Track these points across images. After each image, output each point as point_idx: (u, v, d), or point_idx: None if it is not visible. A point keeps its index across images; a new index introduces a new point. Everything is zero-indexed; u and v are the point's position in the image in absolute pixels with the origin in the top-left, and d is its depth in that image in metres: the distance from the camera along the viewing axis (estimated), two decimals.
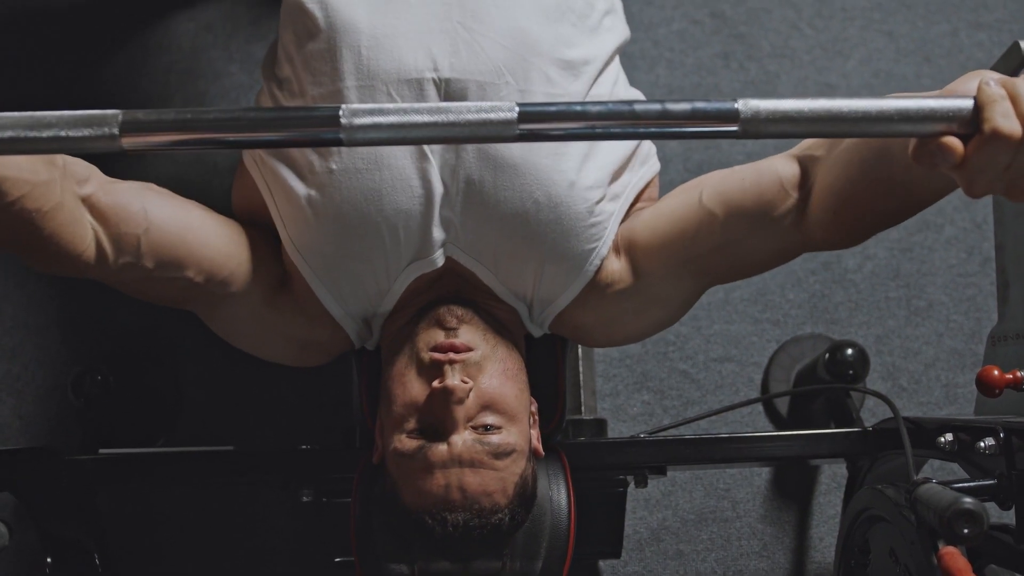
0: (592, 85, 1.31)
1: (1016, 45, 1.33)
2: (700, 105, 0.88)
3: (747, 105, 0.88)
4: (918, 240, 2.08)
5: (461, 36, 1.25)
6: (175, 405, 1.96)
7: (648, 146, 1.41)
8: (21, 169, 1.06)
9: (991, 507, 1.08)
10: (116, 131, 0.87)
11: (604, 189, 1.29)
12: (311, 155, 1.24)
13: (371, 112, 0.88)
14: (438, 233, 1.27)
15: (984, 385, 1.21)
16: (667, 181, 2.00)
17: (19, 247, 1.13)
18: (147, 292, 1.27)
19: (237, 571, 1.92)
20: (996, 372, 1.21)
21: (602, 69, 1.34)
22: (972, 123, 0.88)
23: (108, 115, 0.87)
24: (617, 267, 1.31)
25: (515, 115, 0.88)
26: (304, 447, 1.57)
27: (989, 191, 0.92)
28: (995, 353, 1.37)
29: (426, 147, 1.23)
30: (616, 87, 1.38)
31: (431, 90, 1.23)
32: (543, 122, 0.89)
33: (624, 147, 1.33)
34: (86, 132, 0.87)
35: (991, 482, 1.19)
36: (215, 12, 2.12)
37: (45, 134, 0.87)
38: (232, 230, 1.29)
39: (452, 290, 1.31)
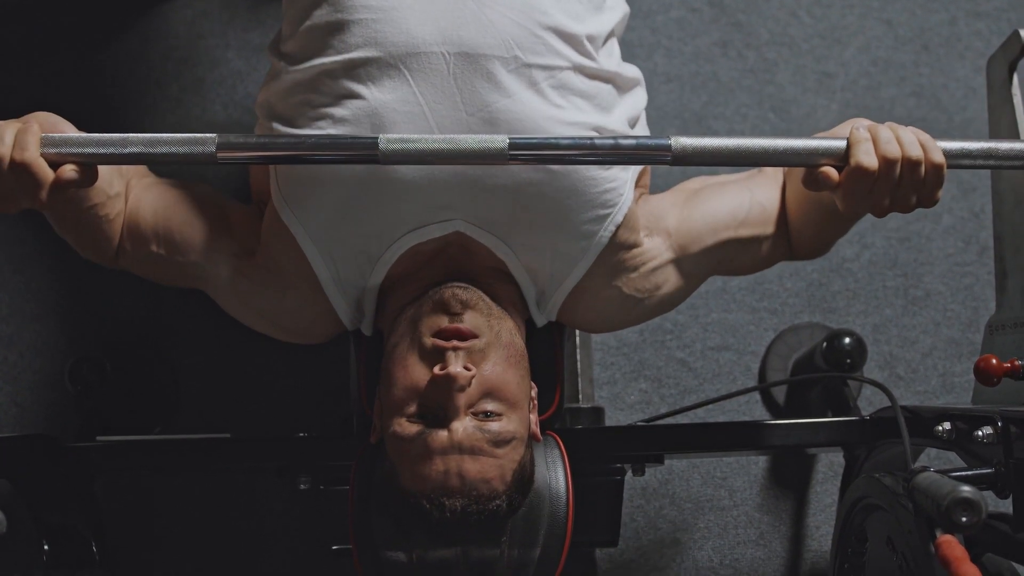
0: (596, 60, 1.32)
1: (1016, 34, 1.32)
2: (643, 141, 1.16)
3: (678, 142, 1.15)
4: (916, 229, 2.08)
5: (469, 8, 1.25)
6: (172, 393, 1.96)
7: (644, 129, 1.44)
8: (103, 181, 1.25)
9: (988, 495, 1.08)
10: (213, 149, 1.12)
11: None
12: (320, 121, 1.26)
13: (402, 141, 1.14)
14: (442, 207, 1.27)
15: (982, 373, 1.21)
16: (664, 169, 2.00)
17: (81, 240, 1.34)
18: (154, 277, 1.41)
19: (234, 558, 1.92)
20: (994, 361, 1.21)
21: (603, 43, 1.36)
22: (844, 158, 1.15)
23: (208, 137, 1.12)
24: (650, 245, 1.36)
25: (506, 145, 1.14)
26: (301, 435, 1.57)
27: (858, 210, 1.18)
28: (993, 342, 1.37)
29: (433, 123, 1.24)
30: (621, 67, 1.39)
31: (440, 63, 1.24)
32: (528, 150, 1.15)
33: (625, 124, 1.36)
34: (192, 149, 1.12)
35: (989, 470, 1.19)
36: None
37: (161, 150, 1.12)
38: (197, 201, 1.37)
39: (456, 268, 1.31)
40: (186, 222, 1.35)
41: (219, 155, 1.12)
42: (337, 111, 1.25)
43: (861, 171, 1.13)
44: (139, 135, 1.13)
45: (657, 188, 1.48)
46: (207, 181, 1.46)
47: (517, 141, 1.14)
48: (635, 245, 1.34)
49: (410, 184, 1.25)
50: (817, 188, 1.17)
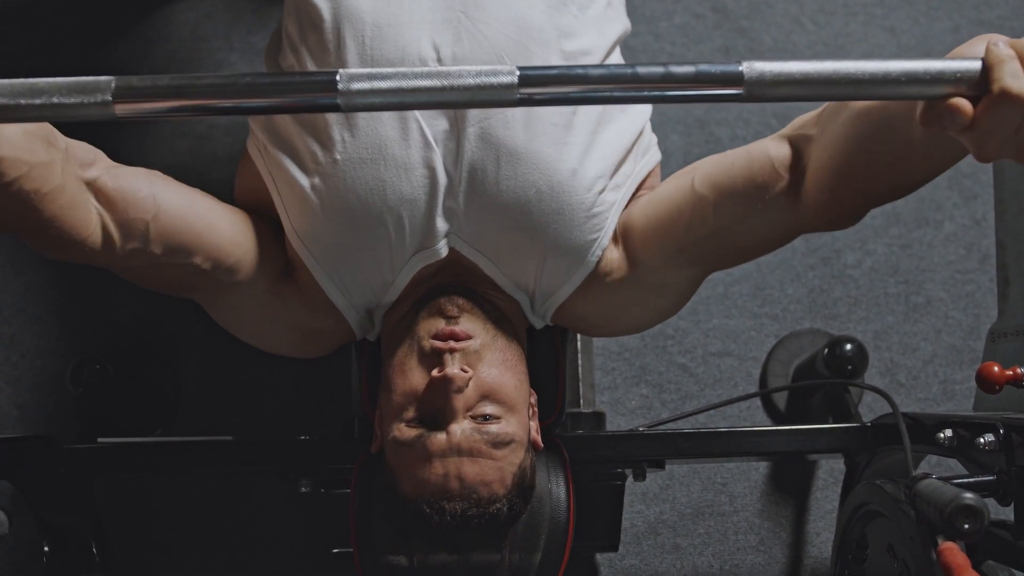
0: None
1: None
2: (704, 68, 0.87)
3: (752, 68, 0.87)
4: (917, 236, 2.08)
5: (463, 24, 1.25)
6: (174, 395, 1.96)
7: (649, 136, 1.42)
8: (17, 148, 1.04)
9: (989, 503, 1.08)
10: (109, 97, 0.86)
11: (606, 180, 1.29)
12: (314, 145, 1.24)
13: (369, 77, 0.87)
14: (442, 223, 1.27)
15: (984, 381, 1.21)
16: (668, 176, 2.00)
17: (21, 230, 1.12)
18: (152, 279, 1.26)
19: (235, 561, 1.92)
20: (996, 368, 1.21)
21: (603, 59, 1.34)
22: (981, 84, 0.87)
23: (101, 81, 0.86)
24: (615, 256, 1.31)
25: (515, 79, 0.87)
26: (303, 438, 1.57)
27: (1000, 155, 0.92)
28: (995, 349, 1.37)
29: (430, 136, 1.23)
30: None
31: None
32: (544, 86, 0.88)
33: (626, 137, 1.33)
34: (79, 99, 0.86)
35: (990, 478, 1.19)
36: (216, 2, 2.11)
37: (37, 101, 0.86)
38: (238, 217, 1.29)
39: (454, 279, 1.31)
40: (237, 242, 1.26)
41: (117, 107, 0.87)
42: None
43: (1008, 99, 0.87)
44: (4, 81, 0.87)
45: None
46: (204, 173, 1.42)
47: (530, 74, 0.88)
48: (604, 258, 1.31)
49: (414, 203, 1.25)
50: (942, 127, 0.90)
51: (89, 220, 1.15)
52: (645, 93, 0.88)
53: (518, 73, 0.87)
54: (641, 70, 0.87)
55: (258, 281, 1.30)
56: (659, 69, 0.87)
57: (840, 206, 1.18)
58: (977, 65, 0.88)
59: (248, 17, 2.11)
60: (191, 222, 1.22)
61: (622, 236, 1.31)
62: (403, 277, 1.30)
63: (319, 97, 0.87)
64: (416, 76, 0.87)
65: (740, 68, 0.87)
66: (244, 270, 1.27)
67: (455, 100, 0.88)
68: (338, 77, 0.87)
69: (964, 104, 0.88)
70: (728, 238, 1.25)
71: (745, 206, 1.22)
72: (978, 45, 0.96)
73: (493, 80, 0.87)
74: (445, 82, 0.87)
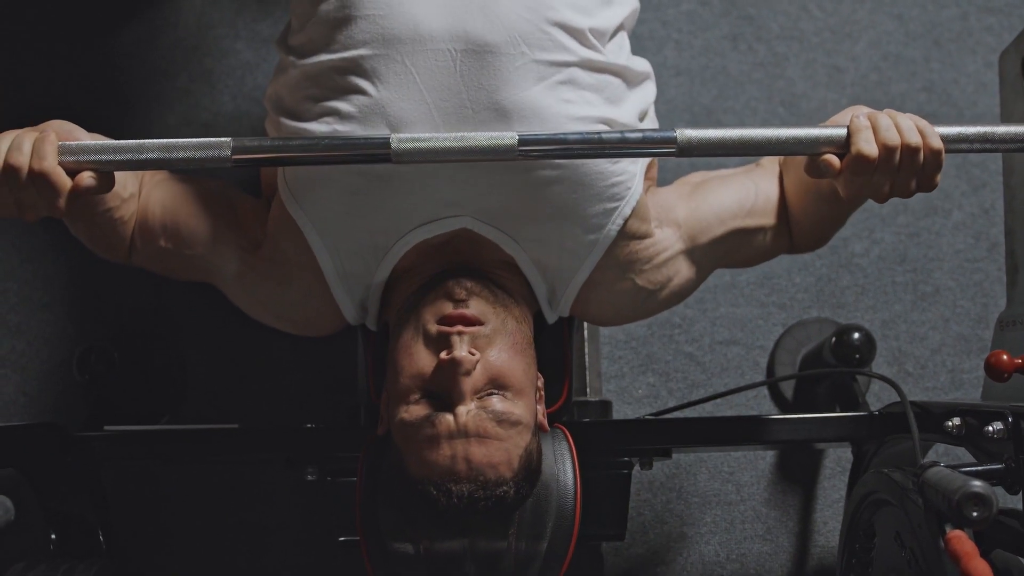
0: (604, 54, 1.31)
1: None
2: (648, 134, 1.19)
3: (683, 134, 1.17)
4: (925, 225, 2.07)
5: (476, 3, 1.24)
6: (180, 382, 1.96)
7: (652, 122, 1.45)
8: (118, 184, 1.26)
9: (998, 492, 1.08)
10: (228, 153, 1.15)
11: None
12: (326, 116, 1.26)
13: (413, 140, 1.16)
14: (450, 203, 1.27)
15: (993, 369, 1.20)
16: (674, 163, 2.00)
17: (95, 241, 1.36)
18: (165, 272, 1.43)
19: (241, 549, 1.93)
20: (1005, 356, 1.20)
21: (611, 38, 1.35)
22: (846, 146, 1.18)
23: (223, 141, 1.15)
24: (661, 236, 1.36)
25: (515, 142, 1.16)
26: (309, 426, 1.57)
27: (861, 195, 1.22)
28: (1003, 338, 1.37)
29: (438, 119, 1.24)
30: (631, 60, 1.38)
31: (446, 60, 1.23)
32: (536, 146, 1.17)
33: (632, 115, 1.35)
34: (206, 153, 1.15)
35: (999, 466, 1.18)
36: None
37: (178, 155, 1.15)
38: (205, 195, 1.38)
39: (461, 260, 1.31)
40: (192, 215, 1.35)
41: (234, 158, 1.15)
42: (343, 106, 1.25)
43: (862, 158, 1.16)
44: (155, 141, 1.15)
45: (666, 181, 1.48)
46: (221, 173, 1.45)
47: (526, 138, 1.16)
48: (646, 236, 1.34)
49: (418, 179, 1.25)
50: (819, 175, 1.20)
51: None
52: (608, 151, 1.20)
53: (517, 138, 1.16)
54: (605, 136, 1.19)
55: (225, 254, 1.36)
56: (617, 135, 1.19)
57: (804, 232, 1.42)
58: (843, 132, 1.19)
59: (254, 5, 2.11)
60: (153, 208, 1.37)
61: (667, 219, 1.37)
62: (399, 248, 1.30)
63: (377, 152, 1.16)
64: (444, 140, 1.16)
65: (675, 135, 1.17)
66: (199, 244, 1.36)
67: (473, 156, 1.17)
68: (391, 139, 1.15)
69: (833, 159, 1.18)
70: (761, 239, 1.41)
71: (782, 216, 1.42)
72: (847, 114, 1.23)
73: (499, 143, 1.16)
74: (464, 144, 1.16)
